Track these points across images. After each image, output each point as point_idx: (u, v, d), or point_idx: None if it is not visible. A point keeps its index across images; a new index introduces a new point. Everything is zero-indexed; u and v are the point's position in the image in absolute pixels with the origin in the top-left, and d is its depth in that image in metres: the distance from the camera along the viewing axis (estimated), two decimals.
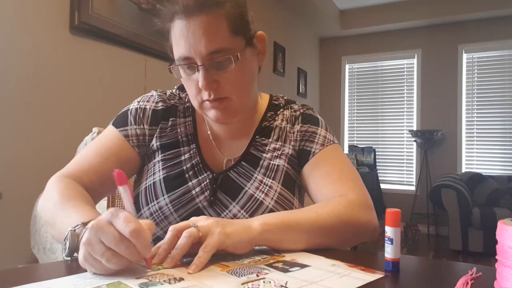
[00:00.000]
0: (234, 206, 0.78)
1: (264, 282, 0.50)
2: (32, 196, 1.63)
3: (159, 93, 0.89)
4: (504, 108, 4.68)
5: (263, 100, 0.91)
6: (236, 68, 0.73)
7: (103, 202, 1.19)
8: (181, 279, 0.51)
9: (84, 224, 0.57)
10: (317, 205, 0.75)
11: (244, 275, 0.52)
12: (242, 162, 0.82)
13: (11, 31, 1.73)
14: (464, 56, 4.85)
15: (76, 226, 0.58)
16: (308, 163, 0.83)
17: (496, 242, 0.45)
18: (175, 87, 0.93)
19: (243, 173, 0.81)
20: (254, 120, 0.87)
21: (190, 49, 0.71)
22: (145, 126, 0.84)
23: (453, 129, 4.85)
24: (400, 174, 5.20)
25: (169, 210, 0.77)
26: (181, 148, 0.84)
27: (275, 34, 4.11)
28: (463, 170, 4.81)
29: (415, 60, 5.10)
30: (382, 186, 4.98)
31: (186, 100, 0.90)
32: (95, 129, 1.52)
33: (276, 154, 0.84)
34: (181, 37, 0.72)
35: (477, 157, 4.82)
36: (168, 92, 0.90)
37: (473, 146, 4.84)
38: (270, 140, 0.85)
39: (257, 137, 0.86)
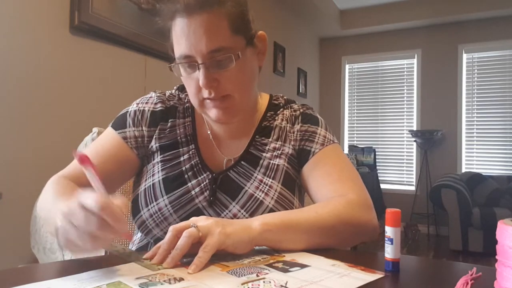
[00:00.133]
0: (234, 206, 0.78)
1: (264, 282, 0.50)
2: (32, 196, 1.62)
3: (158, 94, 0.89)
4: (504, 108, 4.68)
5: (263, 100, 0.91)
6: (237, 67, 0.73)
7: None
8: (181, 279, 0.51)
9: None
10: (317, 205, 0.75)
11: (244, 275, 0.52)
12: (242, 162, 0.82)
13: (11, 31, 1.73)
14: (464, 56, 4.85)
15: None
16: (308, 163, 0.82)
17: (496, 242, 0.45)
18: (175, 87, 0.93)
19: (243, 172, 0.81)
20: (254, 120, 0.87)
21: (191, 48, 0.71)
22: (144, 128, 0.84)
23: (453, 129, 4.85)
24: (400, 174, 5.20)
25: (169, 211, 0.77)
26: (180, 149, 0.83)
27: (275, 34, 4.11)
28: (463, 170, 4.81)
29: (415, 60, 5.10)
30: (382, 186, 4.98)
31: (186, 100, 0.89)
32: (95, 129, 1.52)
33: (276, 154, 0.83)
34: (182, 36, 0.72)
35: (477, 157, 4.82)
36: (168, 93, 0.90)
37: (473, 146, 4.84)
38: (270, 139, 0.85)
39: (257, 136, 0.85)
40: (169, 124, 0.85)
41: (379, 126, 5.31)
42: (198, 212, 0.77)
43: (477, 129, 4.82)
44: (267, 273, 0.53)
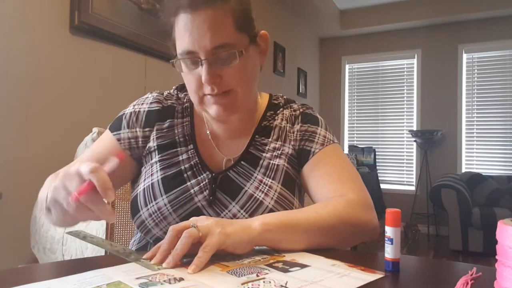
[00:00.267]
0: (233, 206, 0.78)
1: (264, 282, 0.50)
2: (32, 196, 1.62)
3: (154, 95, 0.89)
4: (504, 108, 4.68)
5: (263, 100, 0.91)
6: (240, 63, 0.74)
7: None
8: (181, 279, 0.51)
9: None
10: (317, 205, 0.75)
11: (244, 275, 0.52)
12: (242, 162, 0.82)
13: (11, 31, 1.73)
14: (464, 56, 4.85)
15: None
16: (308, 163, 0.82)
17: (496, 242, 0.45)
18: (174, 87, 0.93)
19: (243, 172, 0.81)
20: (254, 119, 0.87)
21: (194, 43, 0.71)
22: (138, 129, 0.85)
23: (453, 129, 4.85)
24: (400, 174, 5.20)
25: (168, 210, 0.77)
26: (178, 149, 0.83)
27: (275, 34, 4.11)
28: (463, 170, 4.81)
29: (415, 60, 5.10)
30: (382, 186, 4.98)
31: (185, 100, 0.89)
32: (95, 129, 1.52)
33: (276, 154, 0.83)
34: (186, 31, 0.72)
35: (477, 157, 4.82)
36: (165, 93, 0.90)
37: (473, 146, 4.84)
38: (270, 139, 0.85)
39: (256, 136, 0.85)
40: (167, 124, 0.85)
41: (379, 126, 5.31)
42: (197, 211, 0.77)
43: (477, 129, 4.82)
44: (267, 273, 0.53)
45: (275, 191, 0.79)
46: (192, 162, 0.82)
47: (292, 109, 0.89)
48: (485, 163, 4.76)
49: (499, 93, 4.71)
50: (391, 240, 0.54)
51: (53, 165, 0.85)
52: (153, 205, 0.78)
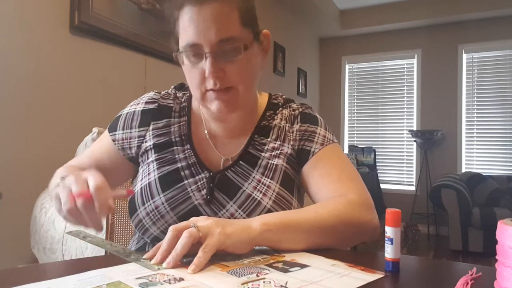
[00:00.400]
0: (231, 205, 0.77)
1: (264, 282, 0.50)
2: (32, 196, 1.62)
3: (151, 94, 0.89)
4: (504, 108, 4.68)
5: (262, 99, 0.91)
6: (243, 59, 0.74)
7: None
8: (181, 279, 0.51)
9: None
10: (317, 205, 0.75)
11: (244, 275, 0.52)
12: (240, 162, 0.82)
13: (11, 31, 1.73)
14: (464, 56, 4.85)
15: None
16: (308, 163, 0.82)
17: (496, 242, 0.45)
18: (172, 87, 0.92)
19: (241, 172, 0.81)
20: (253, 119, 0.87)
21: (200, 36, 0.71)
22: (133, 130, 0.85)
23: (453, 129, 4.85)
24: (400, 174, 5.20)
25: (165, 209, 0.77)
26: (175, 148, 0.83)
27: (275, 34, 4.10)
28: (463, 170, 4.81)
29: (415, 60, 5.10)
30: (382, 186, 4.98)
31: (183, 99, 0.89)
32: (95, 129, 1.52)
33: (275, 154, 0.83)
34: (191, 24, 0.71)
35: (477, 157, 4.82)
36: (163, 92, 0.90)
37: (473, 146, 4.84)
38: (269, 139, 0.85)
39: (255, 136, 0.85)
40: (163, 123, 0.85)
41: (379, 126, 5.31)
42: (195, 210, 0.77)
43: (477, 129, 4.82)
44: (267, 273, 0.53)
45: (273, 191, 0.79)
46: (189, 161, 0.82)
47: (291, 109, 0.89)
48: (485, 163, 4.76)
49: (499, 93, 4.71)
50: (391, 240, 0.54)
51: (53, 165, 0.85)
52: (150, 204, 0.78)
